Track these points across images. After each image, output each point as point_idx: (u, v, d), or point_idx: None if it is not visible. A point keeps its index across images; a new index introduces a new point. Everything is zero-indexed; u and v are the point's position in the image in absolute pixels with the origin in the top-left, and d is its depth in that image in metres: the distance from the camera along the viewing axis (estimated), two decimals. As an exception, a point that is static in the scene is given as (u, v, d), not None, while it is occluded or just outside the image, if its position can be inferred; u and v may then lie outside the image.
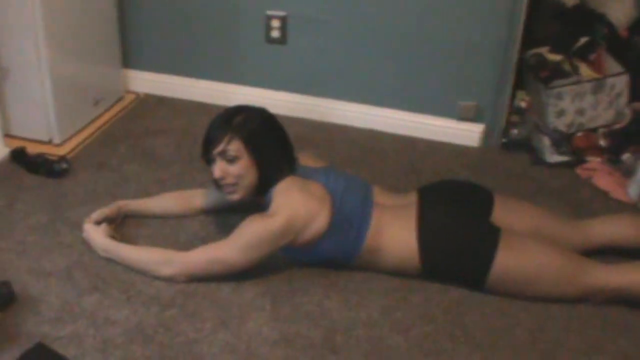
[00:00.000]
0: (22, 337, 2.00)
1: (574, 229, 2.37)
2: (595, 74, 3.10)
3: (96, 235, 2.33)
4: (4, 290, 2.10)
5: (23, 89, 2.85)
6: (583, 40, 3.22)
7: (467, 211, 2.30)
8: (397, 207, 2.31)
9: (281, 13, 3.14)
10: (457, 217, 2.26)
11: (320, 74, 3.23)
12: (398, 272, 2.28)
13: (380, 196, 2.37)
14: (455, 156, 3.06)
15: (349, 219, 2.23)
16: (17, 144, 2.88)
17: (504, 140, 3.11)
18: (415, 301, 2.22)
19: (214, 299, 2.19)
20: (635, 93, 3.11)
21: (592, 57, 3.19)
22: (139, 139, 3.05)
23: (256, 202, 2.29)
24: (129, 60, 3.41)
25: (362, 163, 2.95)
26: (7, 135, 2.92)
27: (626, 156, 2.94)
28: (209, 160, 2.28)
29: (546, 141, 3.01)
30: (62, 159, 2.80)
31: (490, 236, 2.18)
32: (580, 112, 3.02)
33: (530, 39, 3.10)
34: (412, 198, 2.35)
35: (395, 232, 2.23)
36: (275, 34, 3.19)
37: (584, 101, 3.00)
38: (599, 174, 2.90)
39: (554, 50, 3.21)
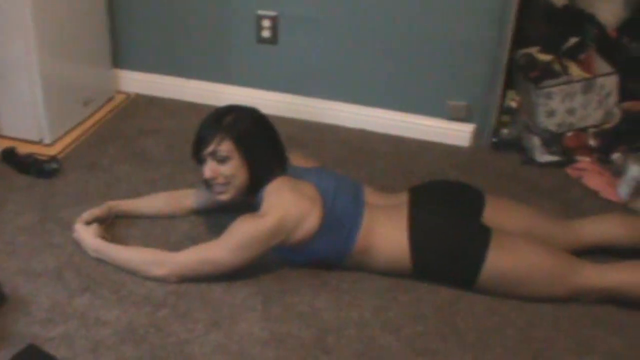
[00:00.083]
0: (13, 338, 2.00)
1: (565, 229, 2.38)
2: (585, 74, 3.11)
3: (87, 235, 2.33)
4: (-6, 291, 2.10)
5: (13, 89, 2.84)
6: (573, 40, 3.23)
7: (458, 211, 2.31)
8: (388, 207, 2.32)
9: (272, 13, 3.14)
10: (448, 217, 2.27)
11: (311, 74, 3.23)
12: (389, 272, 2.28)
13: (371, 196, 2.37)
14: (446, 156, 3.07)
15: (340, 219, 2.23)
16: (7, 144, 2.87)
17: (494, 140, 3.12)
18: (407, 301, 2.22)
19: (205, 299, 2.18)
20: (625, 93, 3.13)
21: (582, 57, 3.21)
22: (130, 139, 3.05)
23: (247, 202, 2.29)
24: (119, 60, 3.40)
25: (352, 163, 2.95)
26: (-3, 136, 2.92)
27: (616, 156, 2.95)
28: (199, 160, 2.27)
29: (536, 141, 3.02)
30: (53, 159, 2.80)
31: (482, 236, 2.19)
32: (570, 112, 3.04)
33: (520, 39, 3.10)
34: (403, 198, 2.35)
35: (387, 232, 2.23)
36: (266, 33, 3.19)
37: (574, 101, 3.02)
38: (589, 173, 2.91)
39: (544, 50, 3.23)
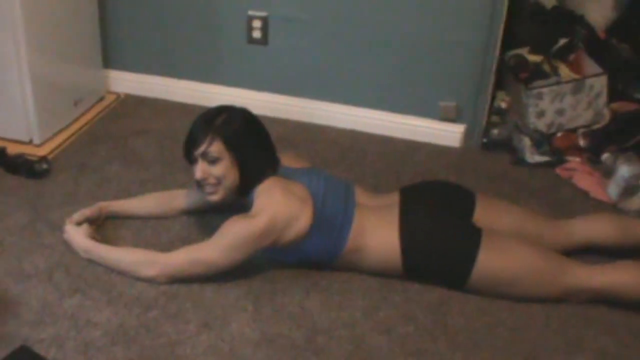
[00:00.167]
0: (2, 340, 1.99)
1: (555, 229, 2.39)
2: (575, 74, 3.13)
3: (77, 236, 2.32)
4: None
5: (3, 89, 2.83)
6: (562, 41, 3.24)
7: (449, 212, 2.31)
8: (380, 207, 2.32)
9: (262, 13, 3.14)
10: (439, 217, 2.27)
11: (301, 75, 3.23)
12: (380, 273, 2.29)
13: (362, 196, 2.37)
14: (436, 156, 3.07)
15: (331, 219, 2.23)
16: (-4, 144, 2.87)
17: (484, 140, 3.12)
18: (397, 301, 2.23)
19: (196, 300, 2.18)
20: (614, 93, 3.14)
21: (572, 58, 3.22)
22: (120, 140, 3.04)
23: (238, 202, 2.29)
24: (109, 60, 3.39)
25: (343, 163, 2.96)
26: (-13, 136, 2.90)
27: (606, 156, 2.96)
28: (191, 160, 2.27)
29: (526, 141, 3.03)
30: (43, 159, 2.79)
31: (473, 237, 2.20)
32: (560, 112, 3.05)
33: (510, 40, 3.11)
34: (394, 198, 2.36)
35: (378, 232, 2.23)
36: (256, 34, 3.18)
37: (564, 102, 3.03)
38: (579, 174, 2.92)
39: (534, 51, 3.24)
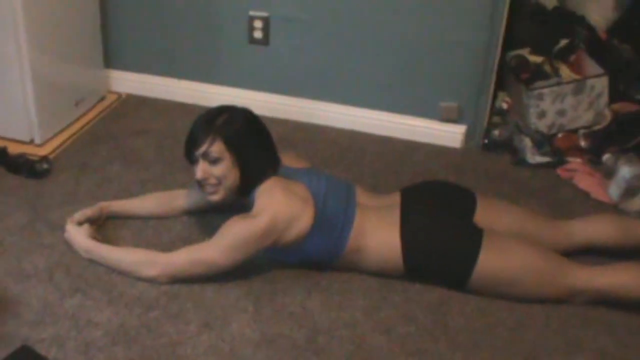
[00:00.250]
0: (2, 340, 1.99)
1: (556, 230, 2.39)
2: (576, 75, 3.13)
3: (78, 236, 2.32)
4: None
5: (4, 89, 2.83)
6: (563, 42, 3.24)
7: (450, 212, 2.31)
8: (380, 207, 2.32)
9: (264, 14, 3.14)
10: (440, 218, 2.27)
11: (302, 75, 3.23)
12: (381, 273, 2.29)
13: (363, 197, 2.37)
14: (437, 157, 3.07)
15: (332, 220, 2.23)
16: (-2, 144, 2.87)
17: (485, 141, 3.12)
18: (398, 301, 2.23)
19: (197, 300, 2.18)
20: (615, 94, 3.14)
21: (572, 58, 3.22)
22: (121, 140, 3.04)
23: (239, 202, 2.29)
24: (111, 60, 3.39)
25: (343, 164, 2.96)
26: (-12, 136, 2.91)
27: (606, 157, 2.96)
28: (192, 160, 2.27)
29: (527, 142, 3.03)
30: (44, 159, 2.79)
31: (473, 237, 2.20)
32: (561, 113, 3.05)
33: (511, 41, 3.12)
34: (395, 199, 2.36)
35: (378, 232, 2.23)
36: (257, 34, 3.18)
37: (565, 102, 3.03)
38: (579, 174, 2.92)
39: (535, 51, 3.24)
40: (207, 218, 2.49)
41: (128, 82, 3.42)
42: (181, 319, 2.11)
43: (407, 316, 2.18)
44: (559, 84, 3.05)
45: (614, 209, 2.74)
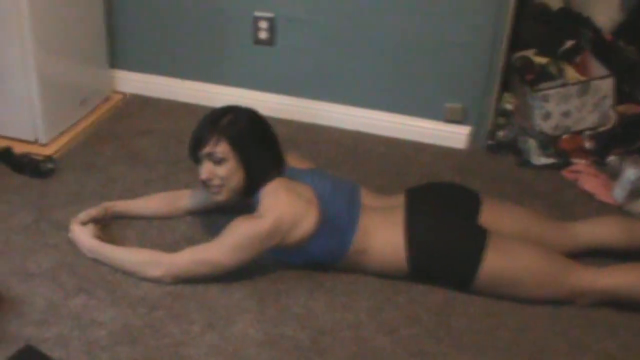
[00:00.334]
0: (7, 339, 1.99)
1: (560, 231, 2.39)
2: (581, 76, 3.12)
3: (82, 235, 2.32)
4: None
5: (9, 88, 2.84)
6: (569, 43, 3.24)
7: (454, 213, 2.31)
8: (385, 208, 2.32)
9: (269, 14, 3.14)
10: (445, 219, 2.27)
11: (307, 76, 3.23)
12: (385, 274, 2.28)
13: (367, 198, 2.37)
14: (442, 158, 3.07)
15: (337, 221, 2.23)
16: (2, 143, 2.87)
17: (490, 142, 3.12)
18: (401, 302, 2.23)
19: (201, 300, 2.18)
20: (620, 96, 3.13)
21: (578, 60, 3.21)
22: (125, 140, 3.04)
23: (244, 203, 2.29)
24: (115, 60, 3.40)
25: (348, 165, 2.96)
26: (-7, 135, 2.91)
27: (611, 158, 2.96)
28: (196, 160, 2.27)
29: (532, 143, 3.03)
30: (48, 159, 2.79)
31: (478, 238, 2.19)
32: (566, 114, 3.04)
33: (516, 42, 3.11)
34: (400, 200, 2.35)
35: (383, 234, 2.23)
36: (262, 35, 3.18)
37: (570, 104, 3.02)
38: (584, 176, 2.91)
39: (540, 53, 3.23)
40: (212, 218, 2.49)
41: (133, 82, 3.42)
42: (185, 319, 2.11)
43: (411, 317, 2.17)
44: (564, 85, 3.04)
45: (618, 210, 2.74)
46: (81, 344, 2.00)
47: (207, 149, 2.21)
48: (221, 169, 2.22)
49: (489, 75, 3.01)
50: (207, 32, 3.26)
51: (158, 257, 2.24)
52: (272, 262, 2.31)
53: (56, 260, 2.31)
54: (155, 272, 2.21)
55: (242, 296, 2.21)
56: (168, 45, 3.35)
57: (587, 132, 3.09)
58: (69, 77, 3.05)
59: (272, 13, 3.14)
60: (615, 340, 2.13)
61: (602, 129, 3.10)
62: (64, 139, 2.99)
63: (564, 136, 3.07)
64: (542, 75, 3.11)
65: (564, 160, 3.02)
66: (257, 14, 3.15)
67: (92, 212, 2.42)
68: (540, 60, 3.19)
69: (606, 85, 3.06)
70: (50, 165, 2.75)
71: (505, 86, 3.18)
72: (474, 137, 3.15)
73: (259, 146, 2.28)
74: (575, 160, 3.02)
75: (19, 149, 2.85)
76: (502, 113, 3.17)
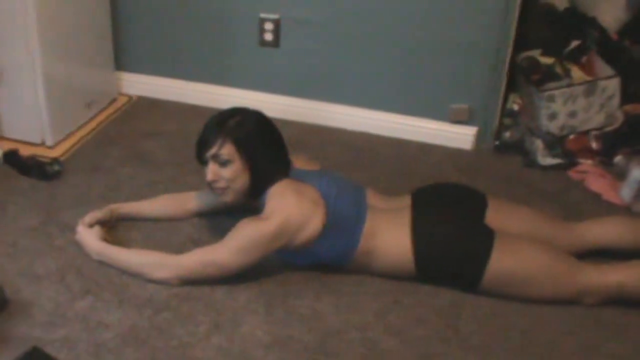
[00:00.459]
0: (14, 341, 1.99)
1: (567, 231, 2.38)
2: (587, 76, 3.11)
3: (89, 237, 2.33)
4: (-4, 295, 2.10)
5: (16, 91, 2.84)
6: (575, 43, 3.23)
7: (461, 213, 2.31)
8: (391, 210, 2.32)
9: (274, 16, 3.14)
10: (451, 219, 2.27)
11: (313, 77, 3.23)
12: (392, 275, 2.28)
13: (373, 199, 2.37)
14: (448, 159, 3.07)
15: (343, 222, 2.23)
16: (9, 145, 2.87)
17: (496, 142, 3.12)
18: (409, 304, 2.22)
19: (207, 302, 2.18)
20: (626, 96, 3.12)
21: (584, 60, 3.21)
22: (132, 142, 3.05)
23: (250, 204, 2.29)
24: (122, 62, 3.40)
25: (354, 166, 2.95)
26: (0, 137, 2.90)
27: (618, 158, 2.95)
28: (202, 161, 2.27)
29: (538, 144, 3.02)
30: (55, 161, 2.80)
31: (485, 238, 2.19)
32: (572, 114, 3.03)
33: (522, 42, 3.11)
34: (406, 201, 2.35)
35: (390, 234, 2.23)
36: (268, 37, 3.18)
37: (576, 104, 3.01)
38: (591, 176, 2.91)
39: (546, 53, 3.23)
40: (218, 220, 2.49)
41: (139, 85, 3.43)
42: (192, 320, 2.11)
43: (418, 318, 2.17)
44: (570, 85, 3.03)
45: (625, 210, 2.73)
46: (88, 345, 2.01)
47: (212, 151, 2.21)
48: (226, 170, 2.22)
49: (495, 76, 3.01)
50: (212, 34, 3.27)
51: (164, 259, 2.24)
52: (279, 263, 2.31)
53: (63, 262, 2.32)
54: (161, 273, 2.21)
55: (249, 298, 2.21)
56: (174, 47, 3.35)
57: (594, 132, 3.08)
58: (76, 79, 3.06)
59: (278, 15, 3.14)
60: (624, 341, 2.12)
61: (608, 129, 3.09)
62: (71, 142, 3.00)
63: (571, 136, 3.06)
64: (548, 76, 3.11)
65: (570, 160, 3.01)
66: (263, 15, 3.15)
67: (99, 214, 2.43)
68: (546, 60, 3.19)
69: (612, 85, 3.05)
70: (56, 168, 2.76)
71: (511, 87, 3.17)
72: (480, 137, 3.14)
73: (265, 148, 2.28)
74: (581, 161, 3.01)
75: (25, 151, 2.85)
76: (508, 113, 3.17)
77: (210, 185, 2.28)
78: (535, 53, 3.22)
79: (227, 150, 2.21)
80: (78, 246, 2.35)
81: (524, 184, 2.90)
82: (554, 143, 3.03)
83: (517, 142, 3.11)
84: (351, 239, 2.23)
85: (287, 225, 2.15)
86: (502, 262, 2.16)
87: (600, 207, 2.75)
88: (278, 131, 2.34)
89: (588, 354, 2.07)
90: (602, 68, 3.13)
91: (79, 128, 3.09)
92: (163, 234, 2.47)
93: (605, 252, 2.37)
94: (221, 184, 2.25)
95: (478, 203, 2.36)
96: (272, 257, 2.23)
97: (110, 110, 3.28)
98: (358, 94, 3.20)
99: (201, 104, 3.30)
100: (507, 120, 3.16)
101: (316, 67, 3.20)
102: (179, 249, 2.33)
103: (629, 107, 3.15)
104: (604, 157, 3.01)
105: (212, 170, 2.24)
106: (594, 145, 3.05)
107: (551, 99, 2.99)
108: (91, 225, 2.37)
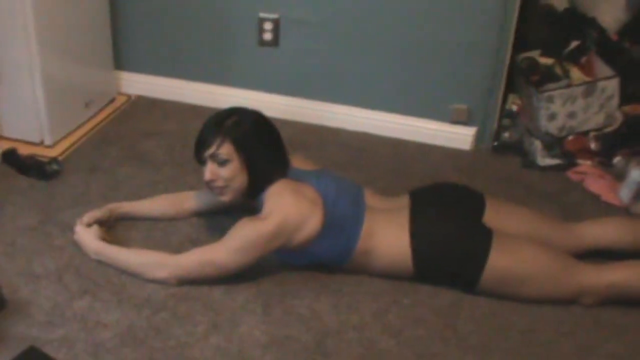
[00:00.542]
0: (12, 341, 1.99)
1: (565, 232, 2.38)
2: (586, 77, 3.11)
3: (87, 237, 2.33)
4: (-6, 294, 2.10)
5: (15, 90, 2.84)
6: (574, 44, 3.23)
7: (459, 213, 2.31)
8: (390, 210, 2.32)
9: (274, 16, 3.14)
10: (450, 219, 2.27)
11: (312, 77, 3.23)
12: (390, 275, 2.28)
13: (372, 199, 2.37)
14: (447, 159, 3.07)
15: (341, 222, 2.23)
16: (8, 145, 2.87)
17: (495, 143, 3.12)
18: (407, 304, 2.22)
19: (205, 302, 2.18)
20: (626, 96, 3.12)
21: (583, 60, 3.21)
22: (131, 141, 3.04)
23: (249, 204, 2.29)
24: (121, 62, 3.40)
25: (353, 166, 2.95)
26: (-2, 137, 2.92)
27: (617, 159, 2.95)
28: (201, 161, 2.27)
29: (537, 144, 3.02)
30: (54, 160, 2.79)
31: (483, 238, 2.19)
32: (571, 115, 3.03)
33: (521, 43, 3.10)
34: (404, 201, 2.35)
35: (388, 235, 2.23)
36: (267, 36, 3.18)
37: (575, 105, 3.01)
38: (590, 177, 2.91)
39: (545, 53, 3.22)
40: (217, 220, 2.49)
41: (138, 84, 3.43)
42: (190, 320, 2.11)
43: (416, 319, 2.17)
44: (569, 86, 3.03)
45: (624, 211, 2.73)
46: (86, 345, 2.00)
47: (211, 150, 2.21)
48: (225, 170, 2.22)
49: (494, 77, 3.01)
50: (212, 33, 3.27)
51: (163, 259, 2.24)
52: (277, 263, 2.31)
53: (61, 261, 2.32)
54: (160, 273, 2.21)
55: (247, 298, 2.21)
56: (173, 46, 3.35)
57: (593, 133, 3.08)
58: (75, 78, 3.05)
59: (277, 14, 3.14)
60: (622, 342, 2.12)
61: (607, 129, 3.09)
62: (70, 141, 3.00)
63: (570, 137, 3.06)
64: (548, 76, 3.10)
65: (569, 161, 3.01)
66: (262, 15, 3.15)
67: (97, 213, 2.43)
68: (546, 61, 3.19)
69: (612, 86, 3.05)
70: (55, 167, 2.76)
71: (511, 87, 3.17)
72: (479, 138, 3.14)
73: (263, 147, 2.28)
74: (580, 161, 3.01)
75: (24, 150, 2.85)
76: (507, 114, 3.17)
77: (208, 185, 2.28)
78: (535, 54, 3.22)
79: (225, 149, 2.21)
80: (76, 246, 2.35)
81: (522, 184, 2.90)
82: (553, 144, 3.02)
83: (516, 142, 3.11)
84: (349, 239, 2.23)
85: (285, 225, 2.15)
86: (500, 262, 2.16)
87: (599, 208, 2.75)
88: (277, 131, 2.33)
89: (586, 354, 2.07)
90: (602, 69, 3.13)
91: (78, 127, 3.09)
92: (162, 234, 2.47)
93: (604, 252, 2.36)
94: (219, 184, 2.25)
95: (476, 203, 2.36)
96: (271, 257, 2.23)
97: (110, 109, 3.28)
98: (357, 93, 3.20)
99: (200, 104, 3.30)
100: (506, 121, 3.16)
101: (316, 67, 3.20)
102: (178, 249, 2.33)
103: (628, 108, 3.15)
104: (603, 158, 3.01)
105: (210, 169, 2.24)
106: (593, 146, 3.04)
107: (550, 99, 2.99)
108: (90, 225, 2.37)
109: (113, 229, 2.46)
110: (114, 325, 2.08)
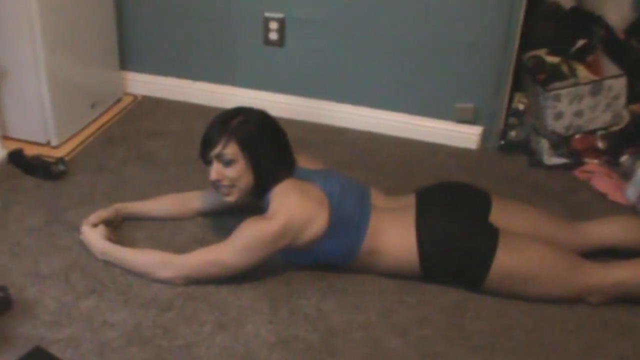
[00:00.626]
0: (19, 341, 2.00)
1: (572, 231, 2.37)
2: (593, 76, 3.10)
3: (94, 237, 2.33)
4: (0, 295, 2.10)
5: (21, 91, 2.85)
6: (581, 42, 3.22)
7: (465, 212, 2.30)
8: (396, 209, 2.31)
9: (279, 15, 3.14)
10: (456, 218, 2.26)
11: (317, 76, 3.23)
12: (396, 274, 2.28)
13: (378, 198, 2.36)
14: (453, 158, 3.06)
15: (347, 221, 2.22)
16: (14, 145, 2.88)
17: (501, 142, 3.11)
18: (413, 303, 2.22)
19: (212, 301, 2.18)
20: (633, 95, 3.11)
21: (590, 59, 3.19)
22: (137, 141, 3.05)
23: (255, 204, 2.29)
24: (126, 62, 3.41)
25: (359, 165, 2.95)
26: (5, 137, 2.91)
27: (624, 158, 2.94)
28: (206, 161, 2.27)
29: (544, 143, 3.01)
30: (60, 160, 2.80)
31: (490, 236, 2.19)
32: (578, 114, 3.02)
33: (528, 41, 3.10)
34: (410, 200, 2.35)
35: (394, 234, 2.23)
36: (273, 36, 3.18)
37: (582, 103, 3.00)
38: (597, 176, 2.90)
39: (552, 52, 3.21)
40: (222, 219, 2.49)
41: (144, 84, 3.43)
42: (196, 320, 2.11)
43: (423, 318, 2.17)
44: (576, 84, 3.02)
45: (631, 210, 2.72)
46: (93, 345, 2.01)
47: (216, 150, 2.21)
48: (230, 170, 2.22)
49: (500, 75, 3.00)
50: (217, 33, 3.27)
51: (169, 258, 2.24)
52: (283, 263, 2.31)
53: (68, 261, 2.32)
54: (166, 273, 2.22)
55: (253, 297, 2.21)
56: (178, 46, 3.36)
57: (600, 132, 3.07)
58: (80, 79, 3.06)
59: (282, 14, 3.14)
60: (629, 341, 2.11)
61: (614, 128, 3.08)
62: (76, 141, 3.00)
63: (576, 136, 3.05)
64: (554, 75, 3.09)
65: (576, 160, 3.00)
66: (267, 14, 3.15)
67: (103, 213, 2.43)
68: (552, 59, 3.17)
69: (619, 85, 3.04)
70: (61, 167, 2.76)
71: (517, 86, 3.16)
72: (485, 137, 3.14)
73: (269, 147, 2.28)
74: (587, 160, 3.00)
75: (30, 151, 2.86)
76: (514, 113, 3.16)
77: (214, 185, 2.28)
78: (541, 52, 3.21)
79: (231, 149, 2.20)
80: (83, 246, 2.36)
81: (529, 183, 2.89)
82: (560, 143, 3.02)
83: (523, 141, 3.10)
84: (355, 239, 2.22)
85: (291, 224, 2.15)
86: (506, 261, 2.16)
87: (606, 207, 2.74)
88: (282, 130, 2.33)
89: (593, 354, 2.07)
90: (609, 67, 3.12)
91: (84, 128, 3.09)
92: (167, 234, 2.47)
93: (610, 251, 2.36)
94: (225, 184, 2.25)
95: (482, 202, 2.36)
96: (277, 256, 2.23)
97: (115, 109, 3.29)
98: (362, 93, 3.20)
99: (206, 104, 3.31)
100: (512, 120, 3.15)
101: (321, 67, 3.20)
102: (183, 249, 2.33)
103: (635, 107, 3.13)
104: (610, 156, 3.00)
105: (216, 169, 2.24)
106: (600, 144, 3.03)
107: (557, 98, 2.98)
108: (96, 225, 2.37)
109: (119, 229, 2.47)
110: (121, 324, 2.08)
